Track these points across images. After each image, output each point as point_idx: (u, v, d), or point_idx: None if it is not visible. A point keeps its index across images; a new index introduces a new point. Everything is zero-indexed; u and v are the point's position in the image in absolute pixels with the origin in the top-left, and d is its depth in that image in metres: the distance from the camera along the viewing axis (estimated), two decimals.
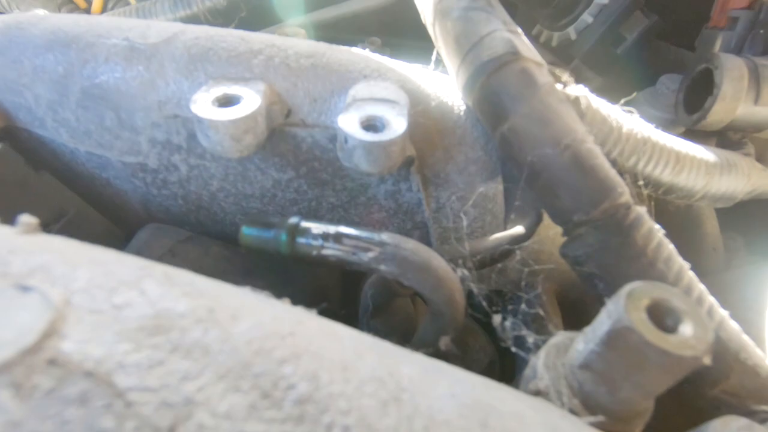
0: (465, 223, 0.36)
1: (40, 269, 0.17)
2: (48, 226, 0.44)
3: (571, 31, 0.62)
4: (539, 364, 0.28)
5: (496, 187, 0.41)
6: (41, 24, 0.41)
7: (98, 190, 0.47)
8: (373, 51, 0.43)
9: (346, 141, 0.32)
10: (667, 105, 0.55)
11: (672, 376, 0.22)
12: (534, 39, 0.67)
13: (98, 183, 0.46)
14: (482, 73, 0.34)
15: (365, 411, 0.16)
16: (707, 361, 0.21)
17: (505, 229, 0.38)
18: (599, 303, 0.25)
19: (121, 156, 0.42)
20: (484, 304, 0.31)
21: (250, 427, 0.14)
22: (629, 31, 0.60)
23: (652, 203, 0.44)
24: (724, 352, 0.30)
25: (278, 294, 0.22)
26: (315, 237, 0.29)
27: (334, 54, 0.39)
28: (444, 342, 0.29)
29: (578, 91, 0.36)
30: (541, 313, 0.34)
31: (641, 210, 0.33)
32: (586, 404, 0.25)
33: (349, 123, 0.32)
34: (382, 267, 0.28)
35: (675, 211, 0.52)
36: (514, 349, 0.28)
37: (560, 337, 0.28)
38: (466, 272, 0.30)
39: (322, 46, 0.40)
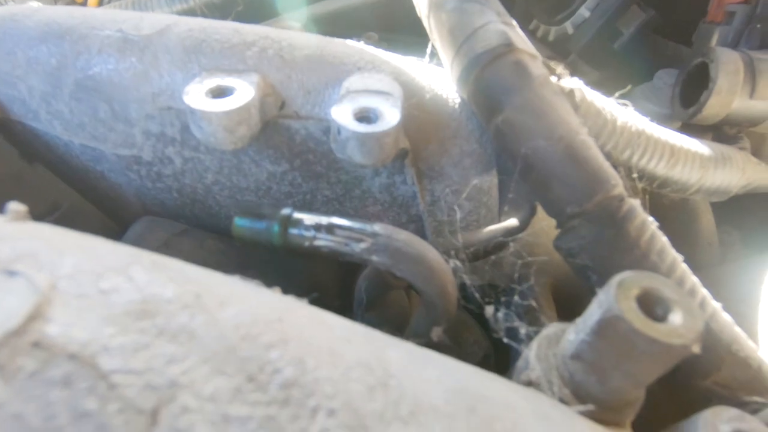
0: (459, 215, 0.36)
1: (28, 255, 0.17)
2: (42, 218, 0.43)
3: (568, 26, 0.62)
4: (531, 355, 0.28)
5: (491, 180, 0.41)
6: (35, 16, 0.41)
7: (93, 183, 0.47)
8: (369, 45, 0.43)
9: (339, 132, 0.32)
10: (663, 99, 0.55)
11: (661, 364, 0.22)
12: (531, 33, 0.67)
13: (93, 176, 0.46)
14: (476, 65, 0.34)
15: (351, 395, 0.16)
16: (696, 349, 0.21)
17: (499, 221, 0.38)
18: (592, 295, 0.25)
19: (115, 148, 0.41)
20: (477, 295, 0.31)
21: (235, 409, 0.14)
22: (626, 25, 0.60)
23: (647, 197, 0.44)
24: (716, 343, 0.30)
25: (273, 287, 0.22)
26: (307, 228, 0.29)
27: (329, 46, 0.39)
28: (436, 333, 0.29)
29: (572, 83, 0.36)
30: (534, 304, 0.34)
31: (634, 202, 0.33)
32: (576, 394, 0.25)
33: (342, 114, 0.32)
34: (374, 258, 0.28)
35: (671, 206, 0.52)
36: (506, 340, 0.28)
37: (552, 328, 0.28)
38: (458, 264, 0.30)
39: (316, 39, 0.40)
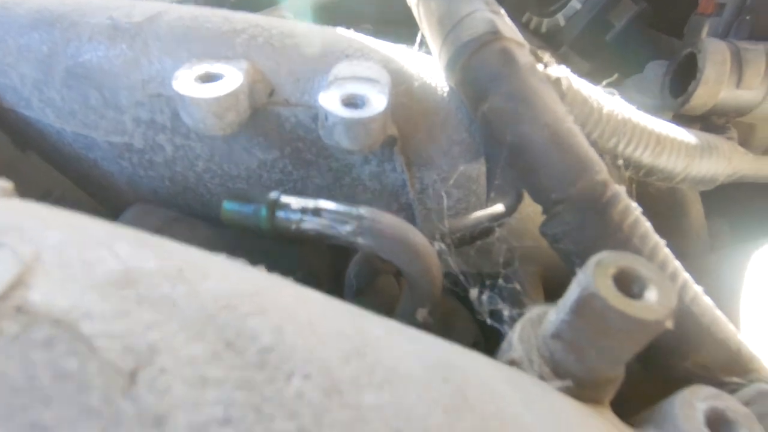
0: (446, 201, 0.36)
1: (13, 228, 0.18)
2: None
3: (560, 18, 0.62)
4: (514, 336, 0.28)
5: (480, 168, 0.41)
6: (26, 3, 0.41)
7: (85, 172, 0.47)
8: None
9: (326, 118, 0.33)
10: (654, 91, 0.55)
11: (636, 341, 0.23)
12: (523, 26, 0.67)
13: (85, 164, 0.46)
14: (463, 53, 0.35)
15: (327, 361, 0.16)
16: (669, 325, 0.22)
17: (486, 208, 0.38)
18: None
19: (106, 136, 0.42)
20: (462, 278, 0.31)
21: (212, 372, 0.15)
22: (618, 18, 0.60)
23: (634, 186, 0.44)
24: (696, 325, 0.31)
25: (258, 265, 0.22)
26: (294, 211, 0.29)
27: (318, 34, 0.40)
28: (421, 314, 0.29)
29: (559, 71, 0.37)
30: (518, 287, 0.35)
31: (619, 188, 0.33)
32: (556, 372, 0.26)
33: (329, 100, 0.33)
34: (360, 240, 0.28)
35: (660, 196, 0.53)
36: (489, 322, 0.29)
37: (536, 310, 0.29)
38: (443, 246, 0.30)
39: (306, 27, 0.40)
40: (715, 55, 0.43)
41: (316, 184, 0.42)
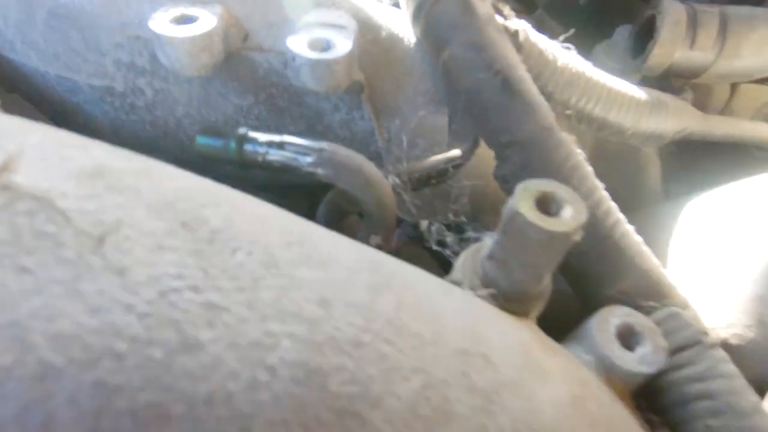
0: (405, 143, 0.39)
1: None
2: None
3: None
4: (458, 263, 0.32)
5: (444, 118, 0.44)
6: None
7: (70, 116, 0.49)
8: None
9: (294, 60, 0.35)
10: (622, 55, 0.57)
11: (552, 253, 0.26)
12: None
13: (69, 108, 0.48)
14: (426, 3, 0.37)
15: (269, 245, 0.20)
16: (577, 237, 0.25)
17: None
18: None
19: (88, 79, 0.44)
20: (413, 210, 0.34)
21: (168, 242, 0.18)
22: None
23: (591, 138, 0.47)
24: (622, 258, 0.34)
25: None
26: (261, 144, 0.32)
27: None
28: (374, 240, 0.32)
29: (518, 24, 0.39)
30: (464, 219, 0.38)
31: (564, 135, 0.36)
32: (487, 287, 0.29)
33: (297, 43, 0.35)
34: (320, 170, 0.31)
35: (620, 156, 0.56)
36: (435, 247, 0.32)
37: (478, 244, 0.32)
38: (397, 181, 0.33)
39: None
40: (671, 17, 0.45)
41: (290, 132, 0.45)
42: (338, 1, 0.41)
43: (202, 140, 0.34)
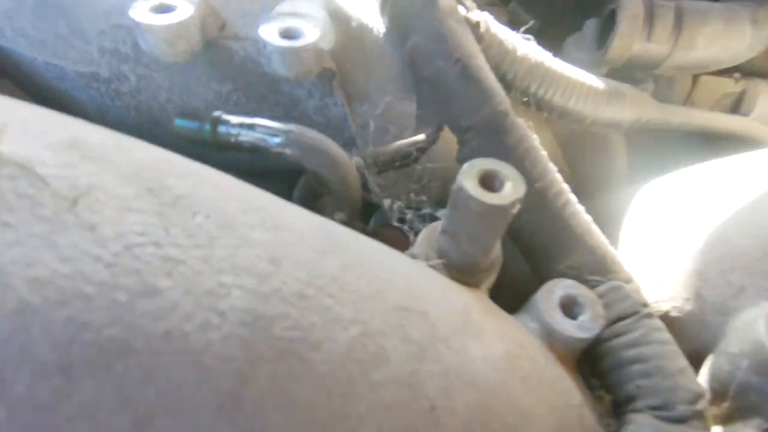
0: (372, 127, 0.41)
1: None
2: None
3: None
4: (419, 239, 0.35)
5: (412, 105, 0.46)
6: None
7: (58, 103, 0.51)
8: None
9: (265, 47, 0.37)
10: (589, 47, 0.60)
11: (495, 225, 0.29)
12: None
13: (57, 94, 0.50)
14: None
15: (227, 211, 0.22)
16: (514, 210, 0.28)
17: None
18: None
19: (75, 65, 0.46)
20: (377, 189, 0.37)
21: (135, 204, 0.20)
22: None
23: (551, 127, 0.50)
24: (570, 235, 0.37)
25: None
26: (233, 126, 0.34)
27: None
28: (338, 216, 0.35)
29: (480, 16, 0.41)
30: (424, 198, 0.41)
31: (519, 120, 0.38)
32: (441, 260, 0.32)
33: (268, 32, 0.37)
34: (287, 151, 0.33)
35: (590, 141, 0.59)
36: (395, 224, 0.35)
37: (438, 223, 0.35)
38: (361, 162, 0.36)
39: None
40: (629, 10, 0.48)
41: (268, 118, 0.47)
42: None
43: (179, 122, 0.36)
